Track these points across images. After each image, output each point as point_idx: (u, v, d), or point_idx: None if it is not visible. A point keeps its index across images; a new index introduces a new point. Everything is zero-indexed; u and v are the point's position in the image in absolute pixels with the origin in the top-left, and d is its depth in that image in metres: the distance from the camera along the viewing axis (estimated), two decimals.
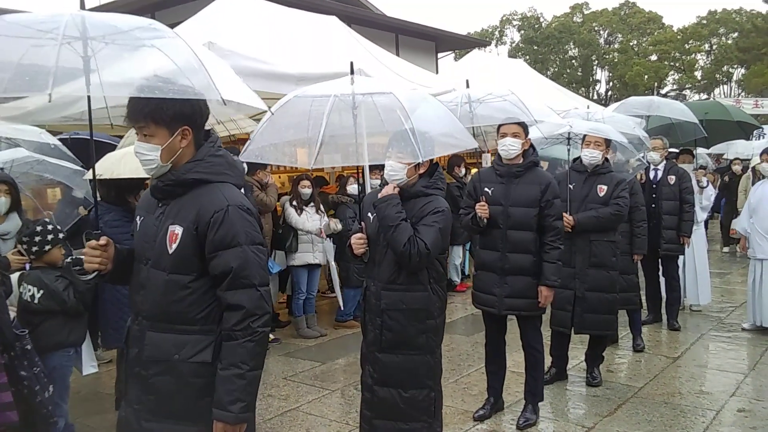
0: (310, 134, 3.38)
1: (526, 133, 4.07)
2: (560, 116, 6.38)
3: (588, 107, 6.67)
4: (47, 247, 3.52)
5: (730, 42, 41.90)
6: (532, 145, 4.14)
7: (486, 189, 4.07)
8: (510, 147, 4.02)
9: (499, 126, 4.15)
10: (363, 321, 3.30)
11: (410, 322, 3.10)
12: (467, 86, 4.35)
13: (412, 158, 3.04)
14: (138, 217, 2.37)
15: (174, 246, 2.15)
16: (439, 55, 18.96)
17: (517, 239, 3.98)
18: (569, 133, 5.05)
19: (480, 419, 4.29)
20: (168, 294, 2.16)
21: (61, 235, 3.59)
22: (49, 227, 3.56)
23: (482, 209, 3.98)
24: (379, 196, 3.15)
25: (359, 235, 3.21)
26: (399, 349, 3.12)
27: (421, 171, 3.14)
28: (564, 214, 4.68)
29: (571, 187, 4.81)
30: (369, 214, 3.22)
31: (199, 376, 2.13)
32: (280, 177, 9.42)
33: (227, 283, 2.12)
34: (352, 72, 3.24)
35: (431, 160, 3.15)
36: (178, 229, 2.15)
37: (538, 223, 3.97)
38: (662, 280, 6.51)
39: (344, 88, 3.34)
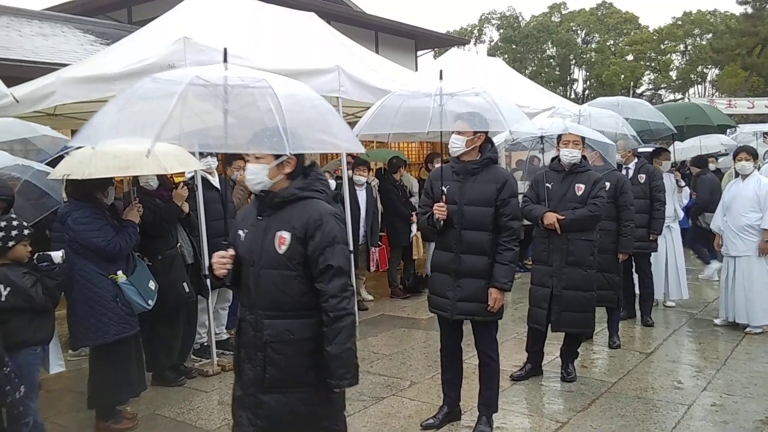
0: (156, 116, 2.67)
1: (477, 130, 3.80)
2: (548, 114, 6.40)
3: (580, 105, 6.69)
4: (11, 243, 3.43)
5: (704, 43, 42.50)
6: (490, 141, 3.92)
7: (442, 188, 3.86)
8: (453, 144, 3.84)
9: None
10: (237, 358, 2.78)
11: (299, 355, 2.61)
12: (440, 77, 3.94)
13: (276, 151, 2.53)
14: None
15: None
16: (419, 53, 18.98)
17: (471, 240, 3.79)
18: (542, 135, 5.09)
19: (428, 428, 4.06)
20: None
21: (26, 231, 3.52)
22: (14, 223, 3.48)
23: (440, 210, 3.78)
24: None
25: (221, 253, 2.67)
26: (287, 388, 2.62)
27: (287, 170, 2.65)
28: (550, 213, 4.72)
29: (549, 186, 4.82)
30: (240, 232, 2.75)
31: None
32: None
33: None
34: (225, 60, 2.78)
35: (300, 161, 2.69)
36: None
37: (494, 224, 3.78)
38: (635, 276, 6.59)
39: (215, 75, 2.76)
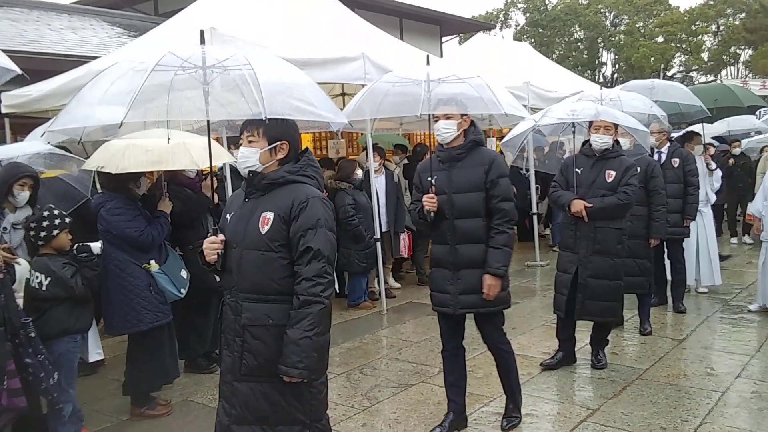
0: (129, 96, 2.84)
1: (465, 112, 3.65)
2: (574, 100, 6.30)
3: (601, 89, 6.58)
4: (55, 232, 3.54)
5: (737, 23, 41.36)
6: (473, 123, 3.70)
7: (429, 179, 3.67)
8: (444, 130, 3.63)
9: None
10: (220, 344, 2.77)
11: (277, 341, 2.50)
12: (427, 62, 3.84)
13: (252, 115, 2.59)
14: None
15: None
16: (444, 39, 18.82)
17: (465, 229, 3.61)
18: (573, 122, 5.00)
19: None
20: None
21: (67, 220, 3.61)
22: (56, 212, 3.58)
23: (430, 202, 3.61)
24: None
25: (212, 239, 2.65)
26: (262, 376, 2.54)
27: (279, 156, 2.63)
28: (578, 200, 4.61)
29: (579, 171, 4.70)
30: (227, 215, 2.73)
31: None
32: None
33: None
34: (202, 42, 2.81)
35: (293, 147, 2.66)
36: None
37: (487, 209, 3.60)
38: (667, 262, 6.49)
39: (192, 55, 2.84)
